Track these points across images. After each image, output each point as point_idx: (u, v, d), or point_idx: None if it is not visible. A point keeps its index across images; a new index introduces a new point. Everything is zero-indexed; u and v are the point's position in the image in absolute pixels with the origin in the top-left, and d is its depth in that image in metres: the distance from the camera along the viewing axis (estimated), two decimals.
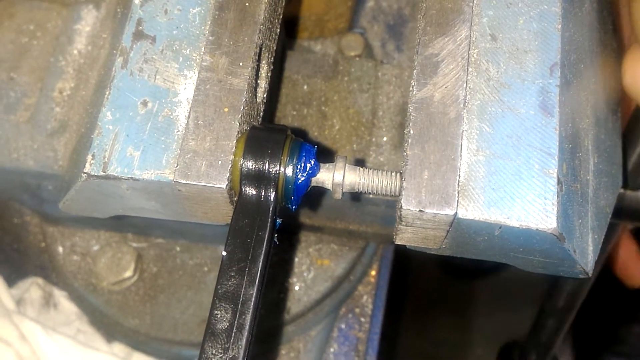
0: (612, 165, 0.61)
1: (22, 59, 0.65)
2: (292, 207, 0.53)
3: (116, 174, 0.50)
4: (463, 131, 0.50)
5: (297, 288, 0.79)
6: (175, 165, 0.49)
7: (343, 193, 0.52)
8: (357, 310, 0.84)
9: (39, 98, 0.63)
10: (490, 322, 1.70)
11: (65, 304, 0.80)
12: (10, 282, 0.77)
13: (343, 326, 0.83)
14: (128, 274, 0.77)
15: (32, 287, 0.79)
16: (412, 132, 0.50)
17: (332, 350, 0.82)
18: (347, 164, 0.52)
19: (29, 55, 0.65)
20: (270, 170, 0.50)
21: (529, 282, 1.68)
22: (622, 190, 0.70)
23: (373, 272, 0.85)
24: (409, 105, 0.51)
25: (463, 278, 1.77)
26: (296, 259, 0.79)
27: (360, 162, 0.71)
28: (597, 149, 0.57)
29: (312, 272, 0.79)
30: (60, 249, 0.79)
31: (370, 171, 0.52)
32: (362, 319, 0.84)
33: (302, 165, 0.51)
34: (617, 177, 0.61)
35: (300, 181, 0.51)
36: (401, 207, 0.48)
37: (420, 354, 1.64)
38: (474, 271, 1.74)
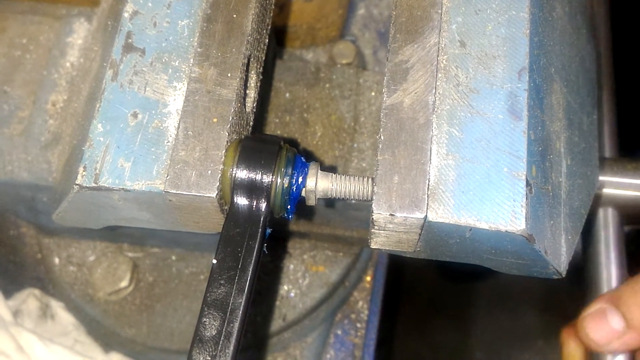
0: (586, 166, 0.61)
1: (15, 72, 0.66)
2: (289, 216, 0.54)
3: (107, 185, 0.50)
4: (432, 136, 0.51)
5: (292, 295, 0.79)
6: (166, 175, 0.50)
7: (317, 199, 0.53)
8: (353, 316, 0.84)
9: (33, 111, 0.64)
10: (489, 325, 1.70)
11: (62, 314, 0.80)
12: (7, 293, 0.78)
13: (339, 332, 0.84)
14: (124, 283, 0.77)
15: (29, 299, 0.79)
16: (382, 137, 0.51)
17: (328, 356, 0.83)
18: (319, 171, 0.53)
19: (22, 69, 0.66)
20: (263, 180, 0.51)
21: (527, 284, 1.68)
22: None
23: (368, 278, 0.85)
24: (381, 112, 0.52)
25: (460, 281, 1.77)
26: (291, 266, 0.80)
27: (342, 168, 0.71)
28: (571, 151, 0.58)
29: (307, 279, 0.79)
30: (57, 260, 0.79)
31: (343, 177, 0.53)
32: (358, 325, 0.84)
33: (298, 175, 0.52)
34: (592, 178, 0.62)
35: (295, 192, 0.52)
36: (372, 211, 0.49)
37: (418, 358, 1.64)
38: (471, 274, 1.74)
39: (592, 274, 0.72)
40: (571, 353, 0.71)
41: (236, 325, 0.45)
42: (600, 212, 0.72)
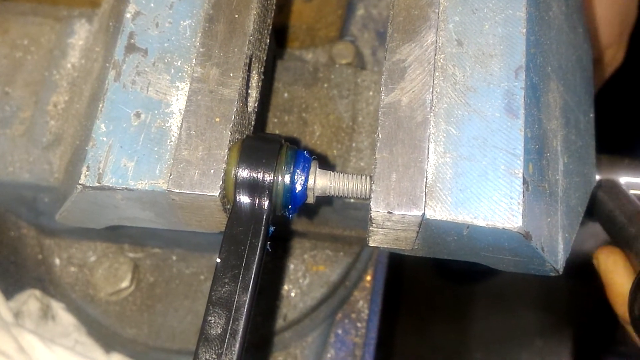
0: (583, 165, 0.62)
1: (17, 73, 0.66)
2: (290, 215, 0.54)
3: (111, 185, 0.51)
4: (430, 134, 0.51)
5: (292, 294, 0.79)
6: (169, 174, 0.50)
7: (315, 197, 0.53)
8: (353, 315, 0.85)
9: (34, 112, 0.64)
10: (488, 325, 1.71)
11: (63, 315, 0.80)
12: (8, 294, 0.78)
13: (339, 332, 0.84)
14: (125, 284, 0.77)
15: (30, 300, 0.79)
16: (380, 136, 0.51)
17: (329, 356, 0.83)
18: (317, 169, 0.53)
19: (23, 70, 0.66)
20: (265, 179, 0.51)
21: (525, 284, 1.69)
22: None
23: (368, 277, 0.86)
24: (379, 110, 0.52)
25: (459, 281, 1.78)
26: (291, 266, 0.80)
27: (341, 167, 0.72)
28: (567, 149, 0.58)
29: (307, 279, 0.80)
30: (57, 261, 0.79)
31: (341, 175, 0.54)
32: (359, 324, 0.84)
33: (300, 173, 0.52)
34: (589, 176, 0.62)
35: (298, 190, 0.52)
36: (371, 209, 0.49)
37: (418, 358, 1.65)
38: (470, 274, 1.75)
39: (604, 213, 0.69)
40: (610, 267, 0.67)
41: (241, 323, 0.45)
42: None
